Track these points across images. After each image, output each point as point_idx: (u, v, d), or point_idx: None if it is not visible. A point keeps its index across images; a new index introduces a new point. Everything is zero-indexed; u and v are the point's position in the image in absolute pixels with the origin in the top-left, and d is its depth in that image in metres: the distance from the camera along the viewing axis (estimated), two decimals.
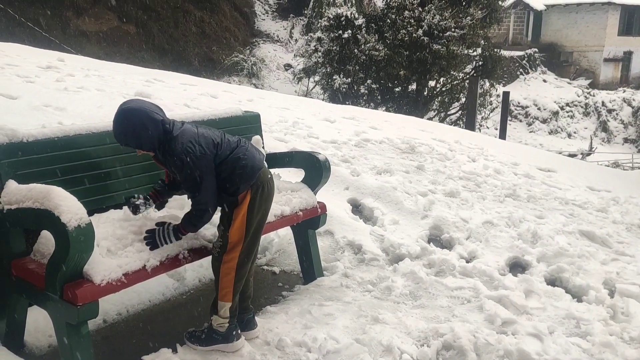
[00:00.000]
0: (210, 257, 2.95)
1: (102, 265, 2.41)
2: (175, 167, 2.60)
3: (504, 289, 3.52)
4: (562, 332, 3.09)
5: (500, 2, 21.01)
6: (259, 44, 27.95)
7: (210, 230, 2.92)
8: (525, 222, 4.71)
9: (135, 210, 2.76)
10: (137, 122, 2.54)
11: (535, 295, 3.52)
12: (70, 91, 5.50)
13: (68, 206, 2.27)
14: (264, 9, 32.15)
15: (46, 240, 2.55)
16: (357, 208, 4.78)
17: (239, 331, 2.85)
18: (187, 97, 6.65)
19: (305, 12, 28.16)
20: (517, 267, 4.14)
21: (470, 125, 14.36)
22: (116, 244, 2.60)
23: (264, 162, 2.87)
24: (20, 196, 2.42)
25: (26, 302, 2.69)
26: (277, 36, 29.89)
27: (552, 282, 3.89)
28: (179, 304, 3.41)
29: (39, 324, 2.86)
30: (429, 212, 4.68)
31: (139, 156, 2.90)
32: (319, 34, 20.02)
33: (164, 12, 23.60)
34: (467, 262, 4.00)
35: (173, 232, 2.68)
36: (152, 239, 2.65)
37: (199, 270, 3.70)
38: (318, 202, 3.60)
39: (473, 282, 3.60)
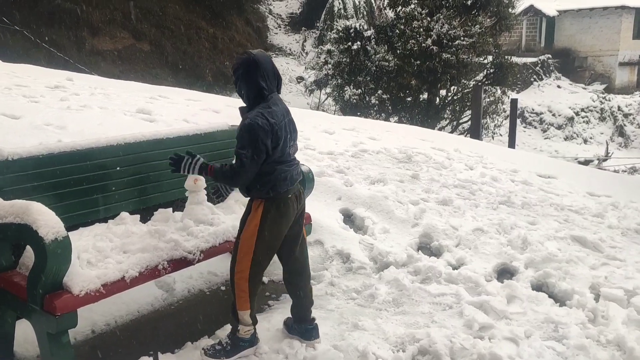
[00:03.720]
0: (193, 268, 3.08)
1: (81, 276, 2.53)
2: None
3: (486, 295, 3.56)
4: (538, 336, 3.13)
5: (510, 10, 20.97)
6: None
7: (190, 242, 3.03)
8: (516, 229, 4.73)
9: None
10: (243, 71, 2.76)
11: (518, 301, 3.55)
12: (72, 109, 5.68)
13: (45, 220, 2.40)
14: (277, 23, 32.57)
15: (31, 254, 2.67)
16: (349, 218, 4.85)
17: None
18: (188, 113, 6.81)
19: (317, 24, 28.44)
20: (505, 273, 4.16)
21: (475, 133, 14.31)
22: (96, 255, 2.73)
23: (292, 188, 2.92)
24: (3, 212, 2.56)
25: (14, 314, 2.82)
26: (290, 49, 30.24)
27: (538, 287, 3.91)
28: (167, 314, 3.51)
29: (27, 335, 2.96)
30: (419, 220, 4.73)
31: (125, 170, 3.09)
32: (328, 46, 20.23)
33: (177, 30, 24.04)
34: (454, 269, 4.04)
35: (199, 167, 2.84)
36: (177, 164, 2.87)
37: (189, 282, 3.80)
38: None
39: (456, 288, 3.65)
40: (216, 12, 25.70)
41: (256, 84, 2.76)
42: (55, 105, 5.79)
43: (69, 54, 19.06)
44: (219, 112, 7.46)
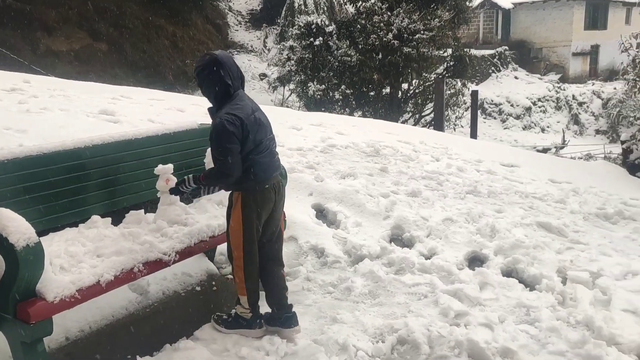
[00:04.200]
0: (168, 269, 3.04)
1: (55, 282, 2.47)
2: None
3: (460, 283, 3.64)
4: (512, 320, 3.22)
5: (467, 3, 21.36)
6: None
7: (165, 243, 2.99)
8: (484, 217, 4.84)
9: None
10: (208, 71, 2.82)
11: (490, 287, 3.65)
12: (32, 112, 5.51)
13: (16, 227, 2.33)
14: (237, 20, 32.26)
15: (1, 261, 2.59)
16: (321, 213, 4.87)
17: (262, 321, 3.12)
18: (153, 113, 6.70)
19: (278, 20, 28.32)
20: (476, 261, 4.26)
21: (438, 125, 14.54)
22: (69, 260, 2.66)
23: (269, 179, 2.98)
24: None
25: None
26: (251, 46, 30.00)
27: (508, 273, 4.02)
28: (143, 317, 3.45)
29: (0, 345, 2.89)
30: (390, 212, 4.79)
31: (94, 172, 3.04)
32: (290, 42, 20.19)
33: (135, 29, 23.54)
34: (427, 259, 4.11)
35: (193, 179, 2.99)
36: (176, 188, 3.02)
37: (163, 283, 3.74)
38: None
39: (430, 277, 3.72)
40: (175, 9, 25.27)
41: (222, 82, 2.84)
42: (13, 109, 5.61)
43: (23, 55, 18.44)
44: (183, 110, 7.36)
